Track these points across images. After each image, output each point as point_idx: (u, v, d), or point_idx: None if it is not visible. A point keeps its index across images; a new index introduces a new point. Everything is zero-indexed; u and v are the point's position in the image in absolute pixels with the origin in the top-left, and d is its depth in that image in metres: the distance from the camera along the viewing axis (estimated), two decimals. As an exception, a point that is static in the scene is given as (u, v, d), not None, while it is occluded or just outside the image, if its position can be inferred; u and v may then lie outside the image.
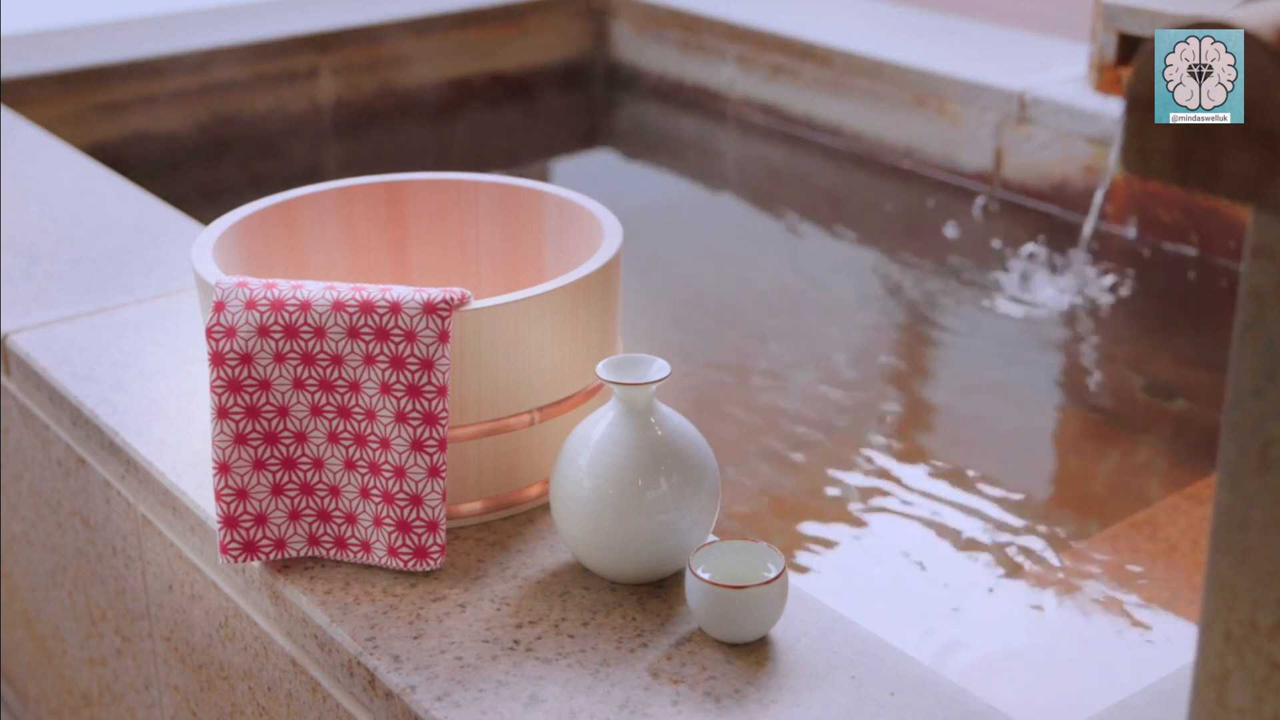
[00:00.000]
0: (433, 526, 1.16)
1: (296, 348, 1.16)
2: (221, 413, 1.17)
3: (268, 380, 1.16)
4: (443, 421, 1.14)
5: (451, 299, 1.15)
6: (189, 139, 3.02)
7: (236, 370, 1.16)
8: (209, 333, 1.17)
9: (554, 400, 1.24)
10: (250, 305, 1.16)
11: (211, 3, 3.35)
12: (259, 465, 1.18)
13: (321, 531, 1.19)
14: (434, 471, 1.15)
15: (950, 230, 2.71)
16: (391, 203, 1.45)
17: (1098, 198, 2.51)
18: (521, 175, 1.69)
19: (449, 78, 3.35)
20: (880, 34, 3.07)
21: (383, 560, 1.18)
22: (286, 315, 1.16)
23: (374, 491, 1.17)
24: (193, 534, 1.31)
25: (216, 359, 1.16)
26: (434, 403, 1.14)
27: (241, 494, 1.17)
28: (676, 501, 1.13)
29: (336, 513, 1.19)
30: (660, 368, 1.13)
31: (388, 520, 1.16)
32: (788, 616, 1.12)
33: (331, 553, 1.20)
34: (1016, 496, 1.95)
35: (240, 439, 1.17)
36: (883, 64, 2.91)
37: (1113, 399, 2.25)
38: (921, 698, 1.04)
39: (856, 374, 2.31)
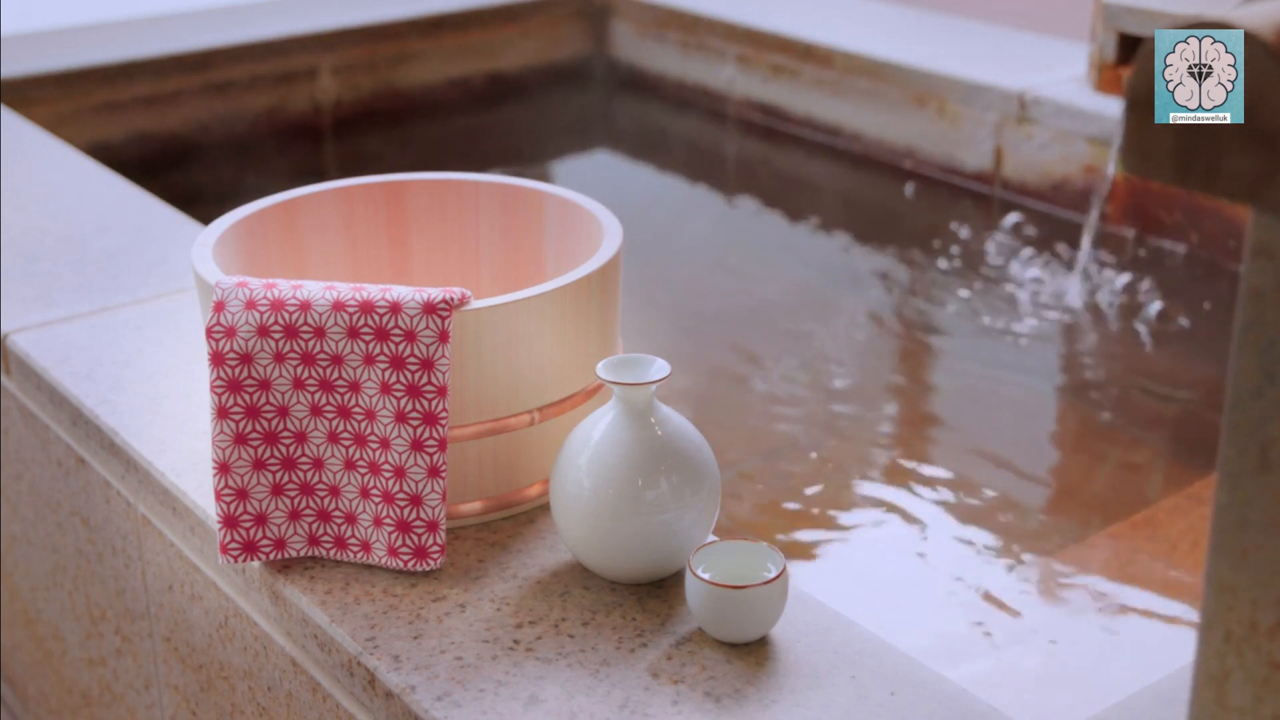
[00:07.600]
0: (433, 526, 1.16)
1: (296, 348, 1.16)
2: (221, 413, 1.17)
3: (268, 380, 1.16)
4: (443, 421, 1.14)
5: (451, 299, 1.15)
6: (189, 139, 3.02)
7: (236, 370, 1.16)
8: (209, 333, 1.17)
9: (554, 400, 1.24)
10: (250, 305, 1.16)
11: (211, 3, 3.35)
12: (259, 465, 1.18)
13: (321, 531, 1.19)
14: (434, 471, 1.15)
15: (950, 231, 2.71)
16: (391, 203, 1.45)
17: (1098, 198, 2.51)
18: (521, 175, 1.69)
19: (449, 78, 3.35)
20: (880, 34, 3.07)
21: (383, 560, 1.18)
22: (286, 315, 1.16)
23: (374, 491, 1.17)
24: (193, 534, 1.31)
25: (216, 359, 1.16)
26: (434, 403, 1.14)
27: (241, 494, 1.17)
28: (676, 501, 1.13)
29: (336, 513, 1.19)
30: (660, 368, 1.13)
31: (388, 520, 1.17)
32: (788, 616, 1.12)
33: (331, 553, 1.20)
34: (1016, 496, 1.95)
35: (240, 439, 1.17)
36: (883, 64, 2.91)
37: (1113, 399, 2.25)
38: (921, 698, 1.04)
39: (856, 373, 2.31)
